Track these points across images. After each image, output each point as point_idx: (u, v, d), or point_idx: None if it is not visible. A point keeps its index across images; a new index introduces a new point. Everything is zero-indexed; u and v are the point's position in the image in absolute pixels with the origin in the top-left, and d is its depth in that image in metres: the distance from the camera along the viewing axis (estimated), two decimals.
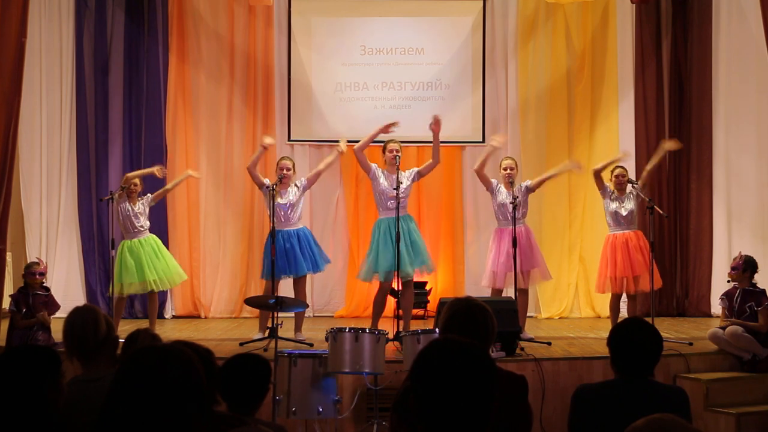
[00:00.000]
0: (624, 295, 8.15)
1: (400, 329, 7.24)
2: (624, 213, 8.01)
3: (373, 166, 7.91)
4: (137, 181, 8.16)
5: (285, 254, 7.75)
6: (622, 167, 8.24)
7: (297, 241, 7.88)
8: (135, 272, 7.93)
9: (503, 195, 7.98)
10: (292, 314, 7.89)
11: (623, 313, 8.23)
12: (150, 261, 8.03)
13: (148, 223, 8.20)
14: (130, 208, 8.04)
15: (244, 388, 3.36)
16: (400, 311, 7.51)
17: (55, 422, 2.69)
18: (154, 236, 8.26)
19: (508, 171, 8.03)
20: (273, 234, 7.52)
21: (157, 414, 1.91)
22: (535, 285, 8.75)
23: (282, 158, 8.28)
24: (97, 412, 1.99)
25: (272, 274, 7.42)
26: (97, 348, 3.44)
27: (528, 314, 9.75)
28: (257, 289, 9.30)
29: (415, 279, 8.07)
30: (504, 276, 7.95)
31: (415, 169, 8.06)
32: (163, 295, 9.85)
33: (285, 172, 7.86)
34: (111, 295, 7.92)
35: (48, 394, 2.70)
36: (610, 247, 8.04)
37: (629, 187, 8.04)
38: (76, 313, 3.58)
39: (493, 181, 8.08)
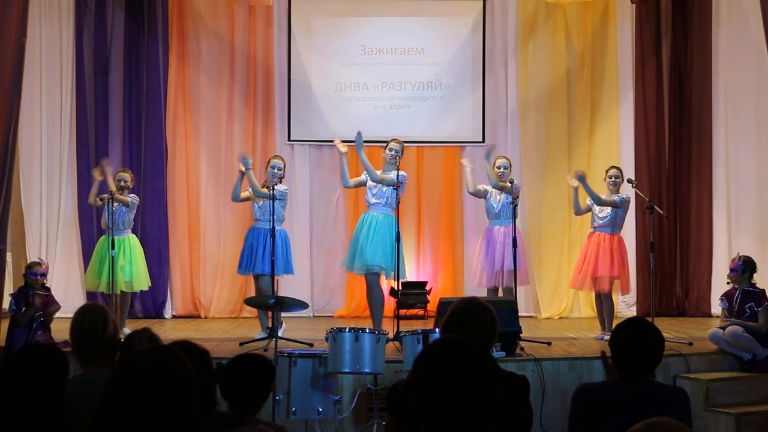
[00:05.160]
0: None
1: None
2: (601, 215, 8.03)
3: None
4: (128, 177, 8.34)
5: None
6: (615, 167, 8.26)
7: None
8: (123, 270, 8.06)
9: (494, 195, 8.15)
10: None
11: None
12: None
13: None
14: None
15: (248, 388, 3.36)
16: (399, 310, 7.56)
17: (57, 422, 2.70)
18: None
19: (501, 170, 8.15)
20: (273, 233, 7.54)
21: (150, 415, 1.93)
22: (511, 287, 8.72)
23: (274, 157, 8.28)
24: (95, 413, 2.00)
25: (272, 272, 7.49)
26: (102, 348, 3.44)
27: (528, 314, 9.85)
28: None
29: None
30: (493, 275, 8.11)
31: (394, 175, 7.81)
32: (163, 294, 9.86)
33: (276, 171, 7.88)
34: (111, 293, 7.92)
35: (55, 394, 2.71)
36: (585, 244, 8.19)
37: (629, 187, 8.09)
38: (87, 311, 3.55)
39: (482, 188, 8.25)
